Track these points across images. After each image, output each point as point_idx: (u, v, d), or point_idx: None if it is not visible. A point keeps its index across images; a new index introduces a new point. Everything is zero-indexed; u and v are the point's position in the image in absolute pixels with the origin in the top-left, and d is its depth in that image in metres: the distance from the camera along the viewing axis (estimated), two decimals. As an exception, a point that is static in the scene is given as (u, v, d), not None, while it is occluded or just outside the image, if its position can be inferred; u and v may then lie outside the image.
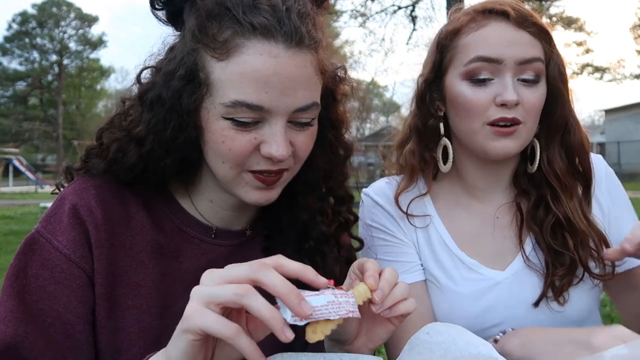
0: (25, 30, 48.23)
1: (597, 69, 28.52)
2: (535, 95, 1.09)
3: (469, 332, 0.82)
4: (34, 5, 48.40)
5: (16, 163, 31.74)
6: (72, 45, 50.10)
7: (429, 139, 1.22)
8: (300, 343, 0.69)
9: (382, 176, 1.37)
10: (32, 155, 49.50)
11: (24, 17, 48.08)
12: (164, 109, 0.90)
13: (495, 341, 1.01)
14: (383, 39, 17.61)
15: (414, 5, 16.62)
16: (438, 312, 1.16)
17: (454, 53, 1.15)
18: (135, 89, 0.97)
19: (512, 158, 1.17)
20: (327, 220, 1.08)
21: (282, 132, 0.87)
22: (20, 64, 48.41)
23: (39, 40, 48.66)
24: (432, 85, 1.20)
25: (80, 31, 50.04)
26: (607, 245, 1.13)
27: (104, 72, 53.98)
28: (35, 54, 48.65)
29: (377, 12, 16.92)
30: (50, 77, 49.67)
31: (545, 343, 0.94)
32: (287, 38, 0.85)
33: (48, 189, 28.65)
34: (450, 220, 1.23)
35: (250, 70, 0.83)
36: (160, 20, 0.96)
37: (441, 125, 1.20)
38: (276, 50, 0.84)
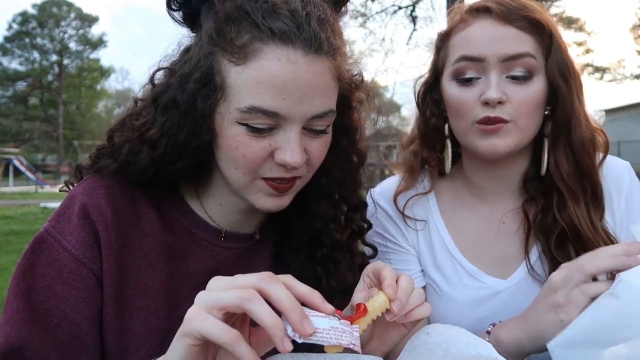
0: (25, 30, 48.21)
1: (597, 69, 28.39)
2: (526, 93, 1.05)
3: (469, 333, 0.82)
4: (34, 5, 48.44)
5: (16, 163, 31.64)
6: (72, 45, 50.25)
7: (433, 140, 1.22)
8: (305, 344, 0.69)
9: (382, 176, 1.37)
10: (32, 155, 49.42)
11: (24, 17, 48.06)
12: (179, 113, 0.88)
13: (488, 332, 1.00)
14: (383, 39, 17.49)
15: (414, 6, 16.56)
16: (435, 317, 1.15)
17: (445, 54, 1.15)
18: (143, 90, 0.96)
19: (515, 159, 1.14)
20: (340, 228, 1.06)
21: (297, 139, 0.86)
22: (21, 64, 48.49)
23: (39, 40, 48.64)
24: (432, 87, 1.21)
25: (81, 31, 50.10)
26: None
27: (104, 72, 54.03)
28: (36, 54, 48.76)
29: (377, 12, 16.84)
30: (50, 77, 49.66)
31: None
32: (306, 44, 0.83)
33: (48, 189, 28.67)
34: (454, 223, 1.21)
35: (267, 75, 0.82)
36: (176, 21, 0.95)
37: (446, 126, 1.18)
38: (294, 56, 0.83)
